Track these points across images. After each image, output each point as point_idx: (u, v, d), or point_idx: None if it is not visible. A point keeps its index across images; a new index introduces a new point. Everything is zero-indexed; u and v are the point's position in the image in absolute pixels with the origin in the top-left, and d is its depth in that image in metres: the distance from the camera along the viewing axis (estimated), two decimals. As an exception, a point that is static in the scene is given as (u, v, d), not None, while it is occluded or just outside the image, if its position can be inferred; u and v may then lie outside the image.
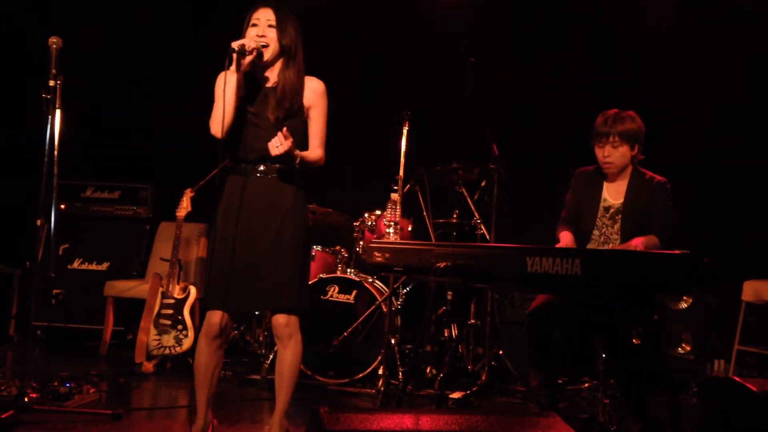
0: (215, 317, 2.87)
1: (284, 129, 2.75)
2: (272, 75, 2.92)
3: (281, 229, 2.87)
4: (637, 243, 3.19)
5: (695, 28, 5.27)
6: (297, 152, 2.84)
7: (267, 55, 2.85)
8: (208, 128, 2.86)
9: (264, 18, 2.86)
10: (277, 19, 2.86)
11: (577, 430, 1.92)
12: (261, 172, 2.89)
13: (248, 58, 2.78)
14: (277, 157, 2.81)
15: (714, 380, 4.52)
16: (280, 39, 2.86)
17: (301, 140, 2.91)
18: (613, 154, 3.41)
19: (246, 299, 2.85)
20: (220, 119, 2.79)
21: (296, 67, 2.91)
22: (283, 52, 2.89)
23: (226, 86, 2.76)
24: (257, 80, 2.92)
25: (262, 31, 2.84)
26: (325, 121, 2.99)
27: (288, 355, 2.92)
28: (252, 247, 2.85)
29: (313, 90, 2.95)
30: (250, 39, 2.82)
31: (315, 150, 2.97)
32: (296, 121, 2.89)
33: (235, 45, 2.75)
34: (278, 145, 2.76)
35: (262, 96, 2.89)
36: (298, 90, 2.90)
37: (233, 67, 2.76)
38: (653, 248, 3.19)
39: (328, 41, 5.52)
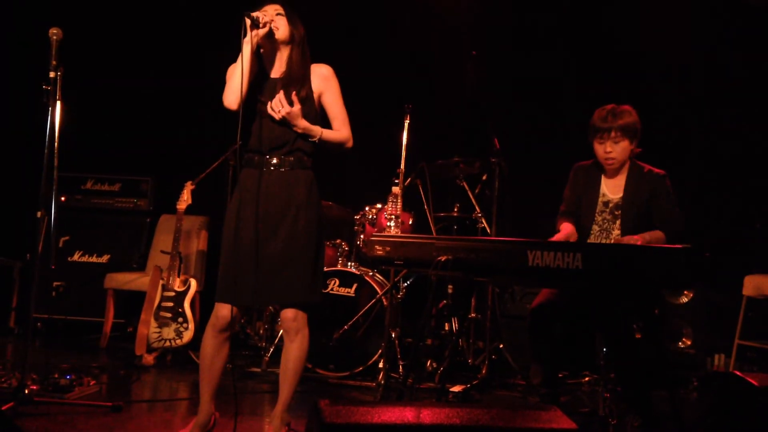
0: (224, 310, 2.86)
1: (289, 95, 2.78)
2: (280, 65, 2.93)
3: (295, 223, 2.86)
4: (638, 238, 3.18)
5: (695, 23, 5.26)
6: (307, 124, 2.85)
7: (277, 35, 2.86)
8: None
9: (272, 9, 2.89)
10: (286, 11, 2.90)
11: (577, 424, 1.92)
12: (274, 164, 2.88)
13: (262, 31, 2.79)
14: (291, 149, 2.85)
15: (716, 375, 4.53)
16: (290, 27, 2.89)
17: (312, 125, 2.91)
18: (615, 149, 3.39)
19: (258, 294, 2.84)
20: (234, 90, 2.79)
21: (303, 57, 2.93)
22: (291, 40, 2.90)
23: (242, 54, 2.76)
24: (265, 72, 2.93)
25: (270, 17, 2.85)
26: (342, 102, 3.00)
27: (294, 349, 2.91)
28: (265, 241, 2.84)
29: (322, 75, 2.96)
30: (265, 15, 2.83)
31: (339, 130, 2.97)
32: (306, 107, 2.88)
33: (251, 14, 2.77)
34: (279, 109, 2.79)
35: (271, 87, 2.90)
36: (305, 77, 2.91)
37: (247, 37, 2.76)
38: (657, 243, 3.17)
39: (329, 33, 5.50)
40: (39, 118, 3.19)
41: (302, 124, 2.85)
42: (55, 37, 3.17)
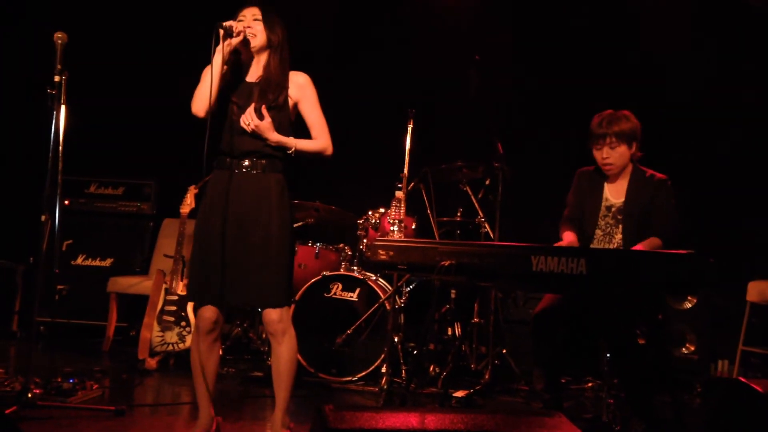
0: (207, 312, 2.88)
1: (259, 107, 2.80)
2: (257, 70, 2.94)
3: (268, 226, 2.86)
4: (638, 248, 3.18)
5: (698, 26, 5.27)
6: (279, 137, 2.85)
7: (254, 43, 2.87)
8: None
9: (250, 14, 2.90)
10: (264, 15, 2.90)
11: (581, 430, 1.91)
12: (246, 167, 2.88)
13: (235, 40, 2.81)
14: (263, 152, 2.86)
15: (719, 381, 4.51)
16: (267, 33, 2.89)
17: (286, 131, 2.91)
18: (611, 155, 3.39)
19: (234, 294, 2.84)
20: (202, 98, 2.81)
21: (282, 63, 2.92)
22: (269, 46, 2.91)
23: (213, 64, 2.77)
24: (242, 75, 2.94)
25: (248, 23, 2.86)
26: (320, 110, 2.99)
27: (284, 350, 2.90)
28: (239, 242, 2.83)
29: (298, 84, 2.96)
30: (239, 24, 2.84)
31: (318, 140, 2.97)
32: (281, 115, 2.89)
33: (223, 23, 2.78)
34: (248, 122, 2.80)
35: (247, 90, 2.91)
36: (282, 84, 2.91)
37: (219, 46, 2.77)
38: (654, 250, 3.17)
39: (332, 37, 5.52)
40: (43, 122, 3.19)
41: (274, 137, 2.85)
42: (60, 42, 3.18)
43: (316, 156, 2.99)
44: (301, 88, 2.96)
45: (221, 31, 2.77)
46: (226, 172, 2.89)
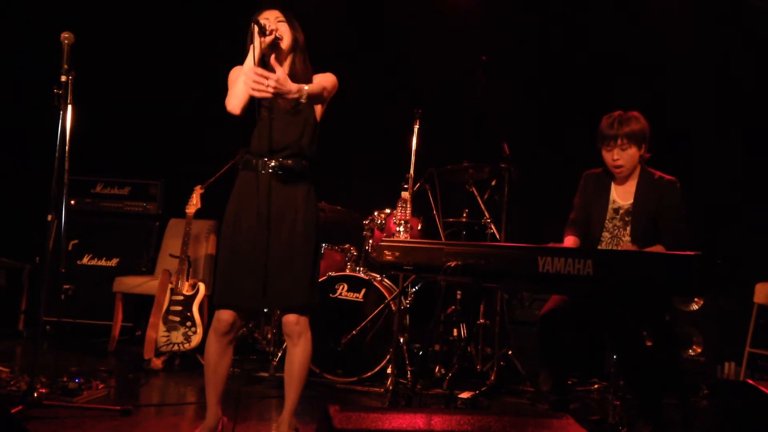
0: (225, 314, 2.86)
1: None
2: (284, 71, 2.92)
3: (294, 227, 2.86)
4: None
5: (703, 25, 5.26)
6: (299, 85, 2.72)
7: (283, 44, 2.87)
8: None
9: (272, 16, 2.90)
10: (285, 16, 2.91)
11: (587, 431, 1.90)
12: (273, 168, 2.88)
13: (268, 38, 2.79)
14: (291, 152, 2.84)
15: (727, 383, 4.49)
16: (292, 33, 2.90)
17: (312, 132, 2.92)
18: (622, 156, 3.37)
19: (258, 297, 2.83)
20: (237, 95, 2.77)
21: (305, 62, 2.95)
22: (295, 47, 2.92)
23: (252, 57, 2.75)
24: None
25: (273, 25, 2.85)
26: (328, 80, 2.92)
27: (298, 353, 2.91)
28: (264, 244, 2.83)
29: (322, 76, 2.95)
30: (269, 23, 2.83)
31: (317, 82, 2.86)
32: (307, 112, 2.90)
33: (258, 20, 2.77)
34: (267, 85, 2.65)
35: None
36: (308, 81, 2.90)
37: (256, 42, 2.76)
38: None
39: (339, 38, 5.51)
40: (50, 122, 3.20)
41: (293, 87, 2.70)
42: (66, 41, 3.18)
43: (324, 92, 2.85)
44: (324, 76, 2.93)
45: (256, 28, 2.75)
46: (251, 173, 2.90)
